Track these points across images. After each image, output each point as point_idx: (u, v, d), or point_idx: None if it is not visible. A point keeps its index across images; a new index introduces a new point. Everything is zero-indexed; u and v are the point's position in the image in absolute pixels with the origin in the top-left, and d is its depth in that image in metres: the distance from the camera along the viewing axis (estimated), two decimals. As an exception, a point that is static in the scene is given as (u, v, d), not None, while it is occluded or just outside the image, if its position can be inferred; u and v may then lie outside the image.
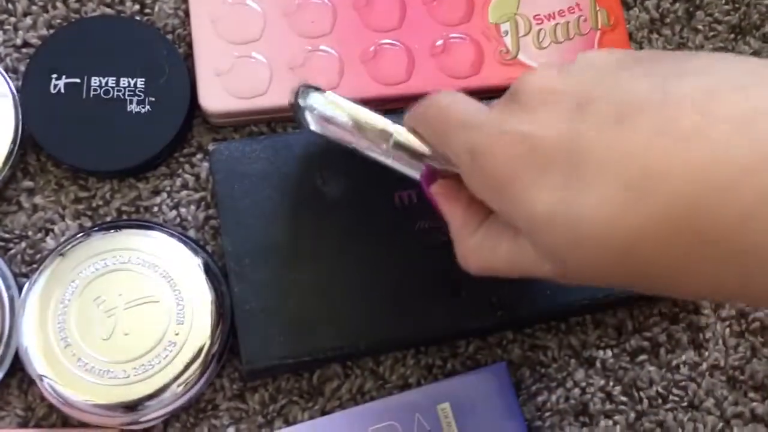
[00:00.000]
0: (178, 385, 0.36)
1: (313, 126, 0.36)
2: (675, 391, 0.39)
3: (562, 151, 0.25)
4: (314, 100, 0.35)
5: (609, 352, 0.40)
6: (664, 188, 0.23)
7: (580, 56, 0.28)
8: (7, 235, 0.39)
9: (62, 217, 0.40)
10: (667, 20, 0.45)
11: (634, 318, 0.40)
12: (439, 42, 0.42)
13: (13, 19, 0.42)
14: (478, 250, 0.30)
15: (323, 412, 0.38)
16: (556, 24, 0.43)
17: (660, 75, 0.24)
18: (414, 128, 0.33)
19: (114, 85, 0.40)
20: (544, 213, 0.25)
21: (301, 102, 0.35)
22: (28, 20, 0.42)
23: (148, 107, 0.40)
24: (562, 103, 0.26)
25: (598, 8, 0.43)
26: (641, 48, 0.44)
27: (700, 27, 0.45)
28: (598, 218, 0.24)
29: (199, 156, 0.41)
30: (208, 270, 0.38)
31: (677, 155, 0.22)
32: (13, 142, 0.39)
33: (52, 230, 0.40)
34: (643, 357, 0.40)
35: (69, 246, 0.37)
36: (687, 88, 0.23)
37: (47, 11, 0.42)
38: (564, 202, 0.25)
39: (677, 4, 0.45)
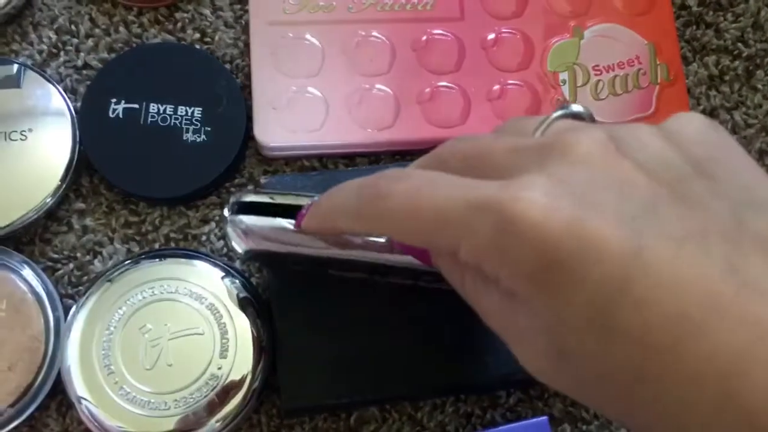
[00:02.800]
0: (217, 421, 0.36)
1: (250, 243, 0.32)
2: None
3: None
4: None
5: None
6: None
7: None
8: (56, 256, 0.40)
9: (111, 241, 0.40)
10: (726, 78, 0.44)
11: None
12: (496, 87, 0.42)
13: (75, 41, 0.42)
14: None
15: (359, 455, 0.38)
16: (615, 76, 0.42)
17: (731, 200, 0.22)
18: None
19: (171, 112, 0.40)
20: None
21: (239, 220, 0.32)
22: (90, 42, 0.42)
23: (203, 137, 0.40)
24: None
25: (658, 62, 0.43)
26: (699, 104, 0.44)
27: (759, 86, 0.44)
28: None
29: (250, 187, 0.41)
30: (252, 304, 0.38)
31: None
32: (69, 162, 0.39)
33: (101, 253, 0.40)
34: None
35: (117, 272, 0.37)
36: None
37: (109, 35, 0.43)
38: None
39: (737, 62, 0.44)
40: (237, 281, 0.38)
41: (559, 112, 0.27)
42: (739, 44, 0.45)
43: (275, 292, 0.37)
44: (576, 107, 0.27)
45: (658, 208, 0.22)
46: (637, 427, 0.23)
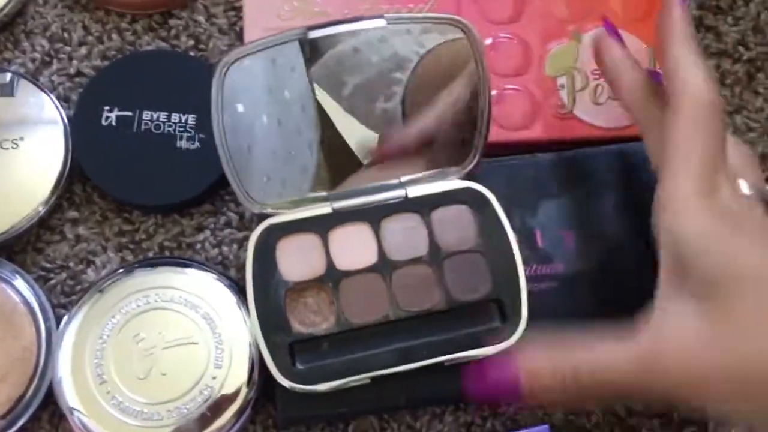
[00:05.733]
0: (211, 431, 0.35)
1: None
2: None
3: None
4: None
5: (656, 422, 0.38)
6: None
7: None
8: (48, 265, 0.39)
9: (104, 250, 0.40)
10: (728, 81, 0.44)
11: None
12: (494, 92, 0.41)
13: (68, 48, 0.42)
14: None
15: (357, 466, 0.37)
16: (614, 80, 0.42)
17: None
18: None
19: (165, 120, 0.39)
20: None
21: None
22: (83, 50, 0.42)
23: (197, 144, 0.39)
24: None
25: (657, 67, 0.42)
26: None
27: (760, 89, 0.44)
28: None
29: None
30: (246, 311, 0.37)
31: None
32: (62, 171, 0.39)
33: (94, 262, 0.39)
34: (691, 429, 0.38)
35: (109, 282, 0.37)
36: None
37: (102, 42, 0.42)
38: None
39: (738, 66, 0.44)
40: (232, 290, 0.37)
41: None
42: (740, 48, 0.44)
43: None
44: None
45: None
46: None
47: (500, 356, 0.34)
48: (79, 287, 0.39)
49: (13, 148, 0.39)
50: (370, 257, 0.36)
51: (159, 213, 0.40)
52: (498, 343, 0.34)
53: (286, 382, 0.33)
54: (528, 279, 0.36)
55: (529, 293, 0.35)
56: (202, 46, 0.42)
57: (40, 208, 0.38)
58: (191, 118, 0.40)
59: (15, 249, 0.39)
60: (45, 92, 0.40)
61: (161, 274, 0.37)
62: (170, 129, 0.39)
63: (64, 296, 0.39)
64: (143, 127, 0.39)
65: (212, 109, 0.34)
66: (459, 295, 0.35)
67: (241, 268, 0.39)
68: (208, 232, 0.40)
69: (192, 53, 0.42)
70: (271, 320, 0.34)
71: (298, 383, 0.34)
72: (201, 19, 0.43)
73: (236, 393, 0.36)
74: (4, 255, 0.39)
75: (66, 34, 0.42)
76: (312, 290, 0.36)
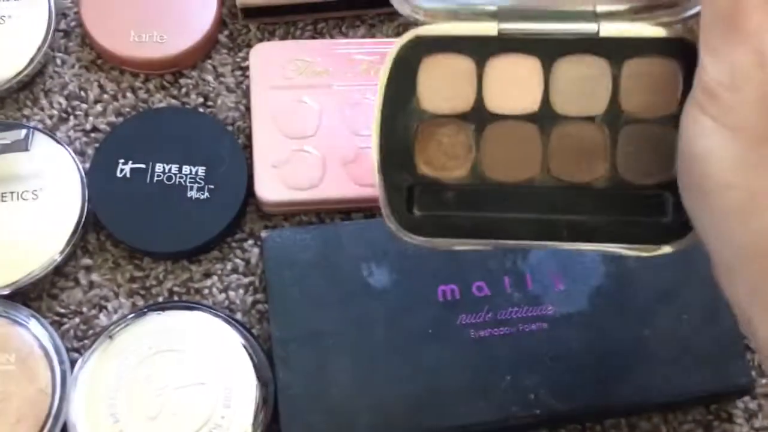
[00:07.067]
0: (220, 469, 0.37)
1: None
2: (709, 499, 0.39)
3: None
4: None
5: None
6: None
7: None
8: (62, 310, 0.41)
9: (116, 295, 0.41)
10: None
11: (668, 423, 0.41)
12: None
13: (84, 106, 0.45)
14: None
15: (359, 503, 0.38)
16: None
17: None
18: None
19: (177, 171, 0.42)
20: None
21: None
22: (99, 107, 0.45)
23: (207, 194, 0.42)
24: None
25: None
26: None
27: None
28: None
29: (250, 242, 0.43)
30: (254, 354, 0.39)
31: None
32: (78, 221, 0.41)
33: (106, 307, 0.41)
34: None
35: (121, 326, 0.39)
36: None
37: (117, 100, 0.45)
38: None
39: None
40: (239, 332, 0.39)
41: None
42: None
43: (278, 340, 0.38)
44: None
45: None
46: None
47: None
48: (91, 332, 0.41)
49: (32, 198, 0.41)
50: (530, 102, 0.29)
51: (169, 259, 0.42)
52: (661, 243, 0.28)
53: (397, 228, 0.29)
54: (518, 320, 0.38)
55: (519, 333, 0.36)
56: (210, 103, 0.45)
57: (57, 257, 0.40)
58: (201, 170, 0.42)
59: (30, 295, 0.41)
60: (62, 146, 0.42)
61: (170, 318, 0.39)
62: (181, 180, 0.42)
63: (77, 340, 0.41)
64: (156, 178, 0.42)
65: None
66: (629, 174, 0.29)
67: (247, 312, 0.41)
68: (215, 278, 0.42)
69: (201, 110, 0.45)
70: (395, 155, 0.29)
71: (409, 231, 0.29)
72: (210, 78, 0.46)
73: (244, 432, 0.37)
74: (20, 300, 0.40)
75: (83, 93, 0.45)
76: (450, 127, 0.29)
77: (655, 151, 0.28)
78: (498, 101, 0.29)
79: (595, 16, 0.28)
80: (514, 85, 0.29)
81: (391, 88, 0.29)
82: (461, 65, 0.29)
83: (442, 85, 0.29)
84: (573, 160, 0.29)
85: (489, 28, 0.29)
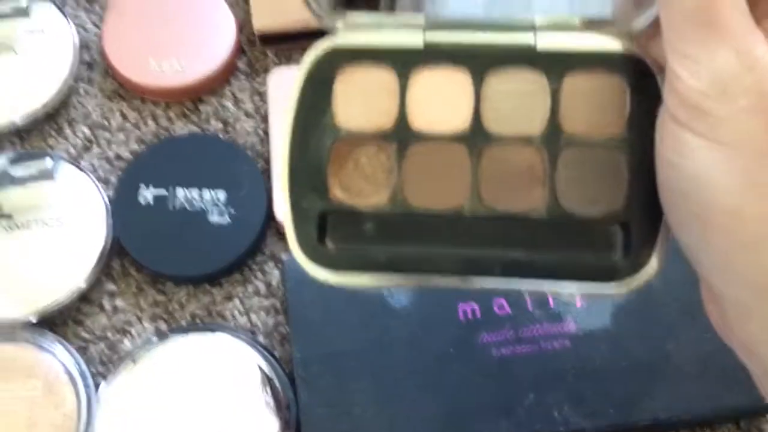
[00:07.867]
0: (244, 492, 0.37)
1: None
2: None
3: None
4: None
5: None
6: None
7: None
8: (87, 336, 0.42)
9: (140, 320, 0.42)
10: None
11: (697, 440, 0.40)
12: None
13: (107, 135, 0.46)
14: None
15: None
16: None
17: None
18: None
19: (197, 197, 0.42)
20: None
21: None
22: (121, 135, 0.46)
23: (227, 218, 0.42)
24: None
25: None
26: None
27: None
28: None
29: (271, 264, 0.43)
30: (276, 377, 0.39)
31: None
32: (103, 248, 0.42)
33: (130, 332, 0.42)
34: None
35: (143, 351, 0.39)
36: None
37: (139, 128, 0.46)
38: None
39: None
40: (260, 354, 0.39)
41: None
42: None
43: (299, 362, 0.39)
44: None
45: None
46: None
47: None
48: (116, 356, 0.41)
49: (58, 226, 0.42)
50: (459, 120, 0.26)
51: (191, 283, 0.43)
52: (607, 281, 0.25)
53: (304, 261, 0.25)
54: (540, 338, 0.38)
55: (542, 351, 0.36)
56: (230, 129, 0.46)
57: (82, 284, 0.41)
58: (221, 195, 0.43)
59: (56, 321, 0.42)
60: (86, 174, 0.43)
61: (193, 342, 0.40)
62: (202, 205, 0.42)
63: (101, 365, 0.41)
64: (177, 204, 0.42)
65: None
66: (570, 203, 0.25)
67: (269, 335, 0.42)
68: (237, 301, 0.42)
69: (221, 135, 0.46)
70: (305, 177, 0.25)
71: (320, 265, 0.25)
72: (229, 104, 0.46)
73: (267, 454, 0.37)
74: (46, 326, 0.41)
75: (105, 122, 0.46)
76: (369, 147, 0.26)
77: (599, 177, 0.25)
78: (423, 119, 0.26)
79: (533, 28, 0.25)
80: (441, 102, 0.26)
81: (303, 102, 0.26)
82: (382, 78, 0.26)
83: (361, 100, 0.26)
84: (507, 187, 0.25)
85: (414, 39, 0.26)
